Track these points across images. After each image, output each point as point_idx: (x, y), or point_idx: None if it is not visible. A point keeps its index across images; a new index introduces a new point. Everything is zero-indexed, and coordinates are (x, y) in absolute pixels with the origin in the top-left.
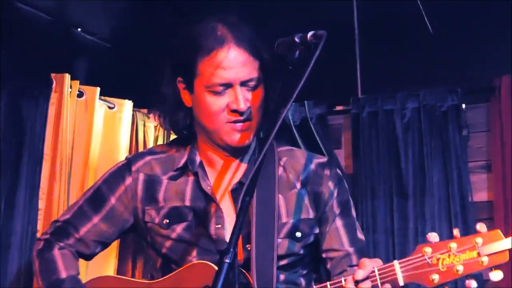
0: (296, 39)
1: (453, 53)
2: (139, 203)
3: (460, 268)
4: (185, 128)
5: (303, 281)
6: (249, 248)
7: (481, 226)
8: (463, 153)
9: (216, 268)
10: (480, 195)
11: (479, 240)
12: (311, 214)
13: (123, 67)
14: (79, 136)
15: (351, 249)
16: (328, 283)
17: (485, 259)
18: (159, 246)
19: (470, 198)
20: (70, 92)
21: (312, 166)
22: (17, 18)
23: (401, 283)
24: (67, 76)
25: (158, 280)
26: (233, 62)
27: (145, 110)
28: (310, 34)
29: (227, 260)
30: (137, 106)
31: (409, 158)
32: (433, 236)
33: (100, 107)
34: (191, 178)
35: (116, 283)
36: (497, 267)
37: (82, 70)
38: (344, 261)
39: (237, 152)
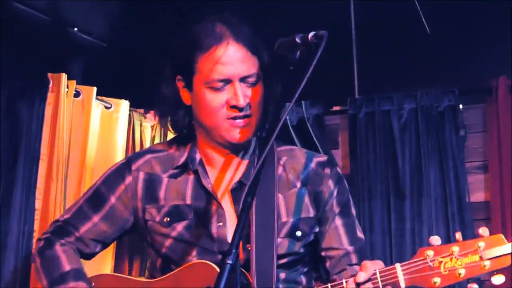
0: (297, 40)
1: (450, 53)
2: (139, 202)
3: (462, 272)
4: (185, 127)
5: (303, 280)
6: (249, 248)
7: (483, 230)
8: (460, 153)
9: (216, 268)
10: (477, 196)
11: (481, 244)
12: (311, 213)
13: (120, 66)
14: (75, 136)
15: (350, 248)
16: (329, 284)
17: (487, 263)
18: (159, 245)
19: (467, 199)
20: (67, 92)
21: (312, 165)
22: (13, 17)
23: (403, 285)
24: (64, 76)
25: (158, 279)
26: (232, 58)
27: (142, 110)
28: (311, 34)
29: (229, 262)
30: (133, 106)
31: (406, 159)
32: (435, 239)
33: (96, 107)
34: (191, 177)
35: (116, 281)
36: (499, 271)
37: (78, 69)
38: (344, 260)
39: (237, 149)
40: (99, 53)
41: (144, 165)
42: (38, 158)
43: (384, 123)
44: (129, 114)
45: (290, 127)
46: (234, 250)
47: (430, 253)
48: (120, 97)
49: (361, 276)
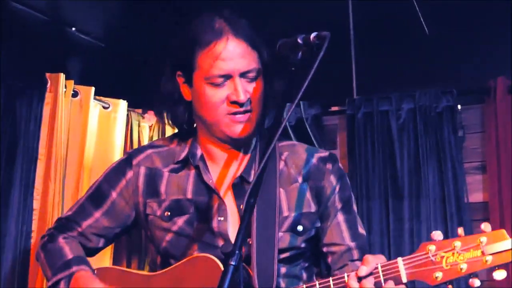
0: (299, 40)
1: (448, 54)
2: (140, 196)
3: (464, 267)
4: (185, 122)
5: (304, 274)
6: (250, 242)
7: (485, 226)
8: (458, 154)
9: (218, 261)
10: (476, 196)
11: (483, 239)
12: (313, 208)
13: (118, 67)
14: (73, 136)
15: (352, 244)
16: (330, 278)
17: (489, 258)
18: (159, 240)
19: (465, 199)
20: (65, 91)
21: (314, 161)
22: (12, 17)
23: (404, 280)
24: (62, 76)
25: (159, 272)
26: (232, 54)
27: (140, 110)
28: (313, 35)
29: (233, 263)
30: (131, 106)
31: (404, 159)
32: (437, 235)
33: (94, 107)
34: (192, 172)
35: (117, 274)
36: (501, 266)
37: (76, 69)
38: (345, 255)
39: (237, 145)
40: (97, 53)
41: (145, 160)
42: (36, 158)
43: (383, 123)
44: (127, 114)
45: (289, 127)
46: (237, 251)
47: (432, 247)
48: (118, 97)
49: (363, 270)
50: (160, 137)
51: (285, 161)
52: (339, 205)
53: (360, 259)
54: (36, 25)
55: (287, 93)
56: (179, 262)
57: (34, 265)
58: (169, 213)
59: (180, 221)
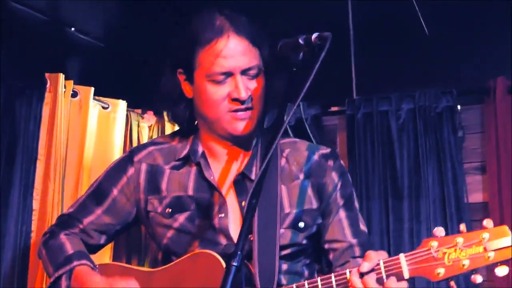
0: (300, 41)
1: (448, 54)
2: (141, 193)
3: (466, 263)
4: (186, 120)
5: (306, 271)
6: (251, 239)
7: (487, 222)
8: (458, 154)
9: (219, 257)
10: (475, 196)
11: (486, 235)
12: (315, 205)
13: (117, 67)
14: (73, 136)
15: (354, 241)
16: (332, 274)
17: (491, 254)
18: (160, 237)
19: (465, 199)
20: (64, 92)
21: (315, 157)
22: (11, 17)
23: (406, 276)
24: (61, 76)
25: (160, 268)
26: (233, 51)
27: (139, 110)
28: (314, 35)
29: (235, 264)
30: (131, 106)
31: (404, 159)
32: (439, 231)
33: (94, 107)
34: (193, 169)
35: (119, 270)
36: (503, 262)
37: (76, 69)
38: (347, 252)
39: (239, 142)
40: (97, 53)
41: (147, 156)
42: (36, 158)
43: (382, 123)
44: (127, 115)
45: (288, 128)
46: (239, 252)
47: (434, 244)
48: (118, 98)
49: (365, 266)
50: None
51: (286, 158)
52: (340, 202)
53: (362, 256)
54: (35, 25)
55: (288, 93)
56: (180, 258)
57: (33, 265)
58: (170, 210)
59: (181, 217)
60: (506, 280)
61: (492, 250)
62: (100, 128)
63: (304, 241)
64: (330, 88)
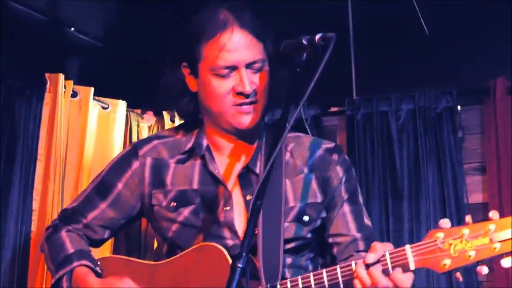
0: (304, 41)
1: (448, 54)
2: (146, 187)
3: (472, 254)
4: (191, 114)
5: (310, 265)
6: (256, 232)
7: (493, 214)
8: (458, 154)
9: (224, 250)
10: (475, 197)
11: (492, 226)
12: (319, 199)
13: (117, 67)
14: (73, 137)
15: (358, 235)
16: (338, 266)
17: (497, 245)
18: (165, 231)
19: (465, 200)
20: (64, 92)
21: (320, 151)
22: (11, 17)
23: (412, 267)
24: (61, 76)
25: (165, 261)
26: (237, 45)
27: (139, 111)
28: (318, 36)
29: (240, 265)
30: (131, 106)
31: (404, 160)
32: (445, 222)
33: (94, 107)
34: (198, 162)
35: (122, 263)
36: (509, 253)
37: (75, 70)
38: (351, 246)
39: (243, 135)
40: (96, 53)
41: (151, 150)
42: (36, 158)
43: (382, 124)
44: (126, 115)
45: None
46: (244, 254)
47: (440, 235)
48: (117, 98)
49: (371, 257)
50: None
51: (291, 152)
52: (345, 196)
53: (366, 250)
54: (35, 25)
55: (292, 93)
56: (185, 251)
57: (33, 265)
58: (174, 204)
59: (186, 211)
60: (506, 280)
61: (498, 241)
62: (100, 128)
63: (309, 235)
64: (330, 88)
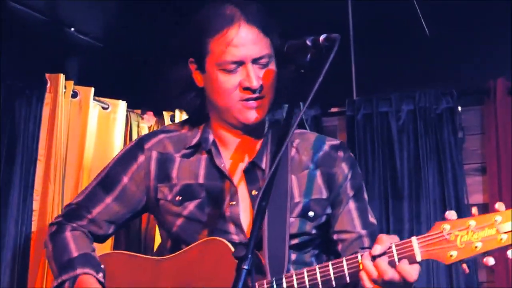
0: (308, 42)
1: (448, 54)
2: (151, 181)
3: (479, 245)
4: (197, 109)
5: (314, 262)
6: (261, 227)
7: (499, 205)
8: (458, 155)
9: (229, 245)
10: (475, 198)
11: (498, 217)
12: (324, 195)
13: (117, 67)
14: (73, 137)
15: (363, 232)
16: (344, 258)
17: (504, 237)
18: (170, 225)
19: (465, 201)
20: (65, 92)
21: (325, 148)
22: (10, 17)
23: (419, 259)
24: (62, 76)
25: (169, 256)
26: (244, 40)
27: (139, 111)
28: (322, 37)
29: (246, 267)
30: (131, 106)
31: (404, 160)
32: (452, 214)
33: (94, 107)
34: (204, 157)
35: (127, 259)
36: None
37: (75, 70)
38: (356, 243)
39: (249, 130)
40: (96, 54)
41: (157, 144)
42: (36, 159)
43: (382, 124)
44: (126, 115)
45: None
46: (250, 256)
47: (447, 226)
48: (117, 98)
49: (377, 249)
50: None
51: (296, 148)
52: (350, 193)
53: (371, 247)
54: (35, 25)
55: (296, 94)
56: (190, 246)
57: (33, 266)
58: (180, 198)
59: (191, 205)
60: (507, 280)
61: (505, 232)
62: (100, 129)
63: (313, 231)
64: (330, 88)
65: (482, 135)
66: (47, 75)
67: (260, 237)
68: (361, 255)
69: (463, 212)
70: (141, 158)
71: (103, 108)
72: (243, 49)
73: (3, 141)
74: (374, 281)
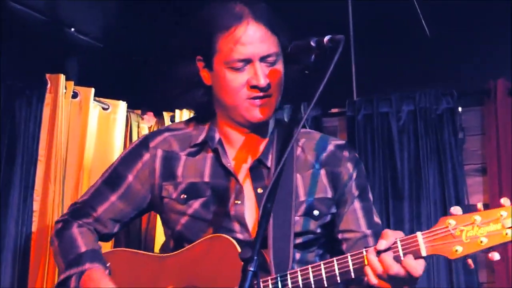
0: (312, 43)
1: (449, 55)
2: (156, 179)
3: (484, 240)
4: (204, 107)
5: (318, 261)
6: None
7: (505, 200)
8: (458, 155)
9: (234, 242)
10: (476, 198)
11: (503, 213)
12: (329, 194)
13: (117, 67)
14: (73, 137)
15: (368, 232)
16: (348, 254)
17: (509, 231)
18: (174, 223)
19: (466, 201)
20: (65, 93)
21: (331, 147)
22: (10, 17)
23: (424, 254)
24: (62, 77)
25: (174, 253)
26: (251, 38)
27: (139, 111)
28: (326, 38)
29: (252, 269)
30: (131, 107)
31: (404, 161)
32: (457, 209)
33: (94, 108)
34: (210, 155)
35: (130, 257)
36: None
37: (75, 70)
38: (361, 242)
39: (256, 129)
40: (96, 54)
41: (162, 143)
42: (36, 159)
43: (383, 125)
44: (127, 115)
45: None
46: (255, 257)
47: (452, 221)
48: (118, 98)
49: (382, 244)
50: None
51: (302, 147)
52: (355, 192)
53: None
54: (35, 25)
55: (300, 95)
56: (194, 243)
57: (34, 266)
58: (185, 196)
59: (196, 204)
60: (507, 281)
61: (510, 228)
62: (100, 129)
63: (318, 230)
64: (330, 89)
65: (483, 136)
66: (47, 75)
67: (265, 235)
68: (366, 250)
69: (463, 212)
70: (146, 156)
71: (103, 108)
72: (250, 47)
73: (3, 141)
74: (379, 276)
